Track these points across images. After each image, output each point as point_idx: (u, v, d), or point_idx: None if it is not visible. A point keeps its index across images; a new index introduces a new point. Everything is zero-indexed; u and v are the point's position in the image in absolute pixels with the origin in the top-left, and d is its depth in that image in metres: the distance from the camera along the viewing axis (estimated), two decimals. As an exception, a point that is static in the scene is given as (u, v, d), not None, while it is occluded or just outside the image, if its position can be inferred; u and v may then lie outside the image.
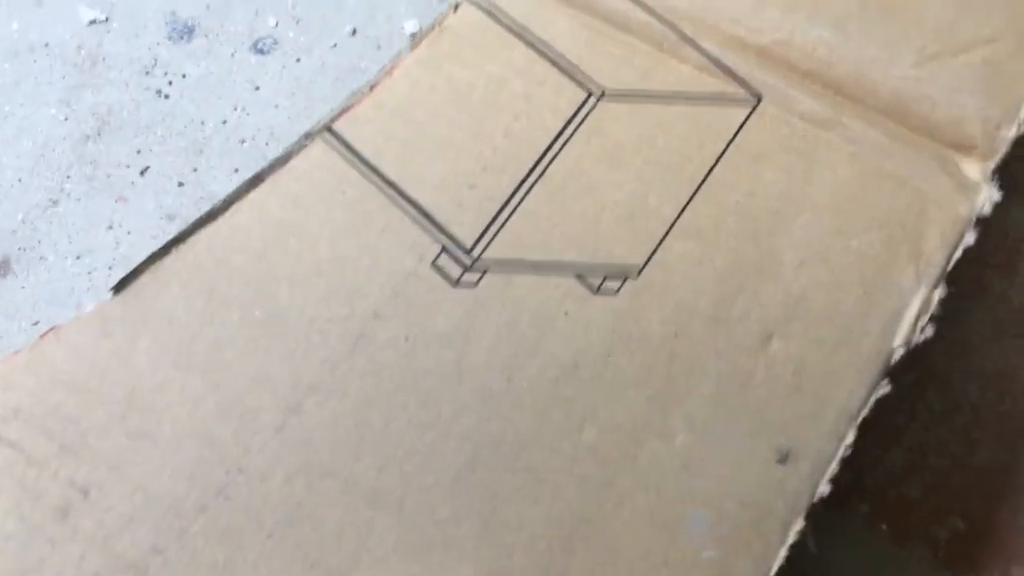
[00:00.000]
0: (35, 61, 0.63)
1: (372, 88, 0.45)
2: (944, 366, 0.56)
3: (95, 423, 0.39)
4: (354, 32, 0.64)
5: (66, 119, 0.62)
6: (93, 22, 0.64)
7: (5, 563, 0.37)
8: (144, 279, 0.41)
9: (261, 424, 0.38)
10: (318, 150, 0.44)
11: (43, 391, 0.39)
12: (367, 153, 0.44)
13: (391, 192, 0.43)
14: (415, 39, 0.46)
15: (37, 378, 0.39)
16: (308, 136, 0.44)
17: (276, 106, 0.62)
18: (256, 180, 0.43)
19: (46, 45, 0.64)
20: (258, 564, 0.36)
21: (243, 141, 0.61)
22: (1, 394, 0.39)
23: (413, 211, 0.43)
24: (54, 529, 0.37)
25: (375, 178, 0.43)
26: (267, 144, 0.61)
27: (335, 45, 0.64)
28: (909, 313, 0.40)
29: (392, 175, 0.43)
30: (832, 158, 0.43)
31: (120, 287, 0.41)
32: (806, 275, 0.41)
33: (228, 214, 0.42)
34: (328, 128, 0.44)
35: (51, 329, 0.40)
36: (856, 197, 0.43)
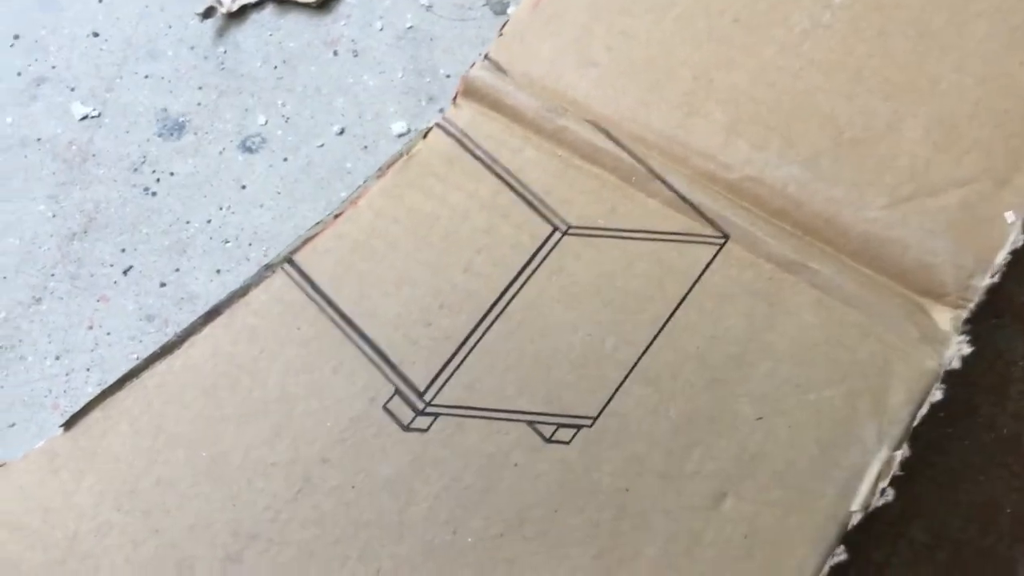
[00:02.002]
0: (26, 156, 0.64)
1: (336, 217, 0.45)
2: (930, 496, 0.55)
3: (35, 566, 0.38)
4: (342, 132, 0.64)
5: (54, 216, 0.62)
6: (85, 117, 0.65)
7: None
8: (96, 414, 0.41)
9: (198, 574, 0.38)
10: (278, 282, 0.44)
11: (-15, 531, 0.39)
12: (326, 286, 0.43)
13: (347, 328, 0.42)
14: (381, 169, 0.46)
15: (-20, 517, 0.39)
16: (269, 267, 0.44)
17: (261, 206, 0.62)
18: (213, 313, 0.43)
19: (38, 140, 0.64)
20: None
21: (227, 241, 0.61)
22: (-58, 534, 0.39)
23: (368, 349, 0.42)
24: None
25: (332, 313, 0.43)
26: (250, 245, 0.61)
27: (322, 145, 0.64)
28: (869, 475, 0.39)
29: (349, 310, 0.43)
30: (797, 303, 0.42)
31: (71, 423, 0.41)
32: (763, 430, 0.40)
33: (183, 348, 0.42)
34: (288, 259, 0.44)
35: (1, 465, 0.40)
36: (819, 346, 0.41)
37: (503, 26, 0.49)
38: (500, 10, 0.67)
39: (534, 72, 0.48)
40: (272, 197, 0.63)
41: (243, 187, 0.63)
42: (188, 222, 0.62)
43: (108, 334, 0.59)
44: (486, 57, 0.48)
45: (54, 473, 0.40)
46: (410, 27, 0.67)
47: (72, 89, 0.66)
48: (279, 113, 0.65)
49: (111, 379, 0.57)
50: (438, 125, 0.47)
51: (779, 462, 0.40)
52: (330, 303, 0.43)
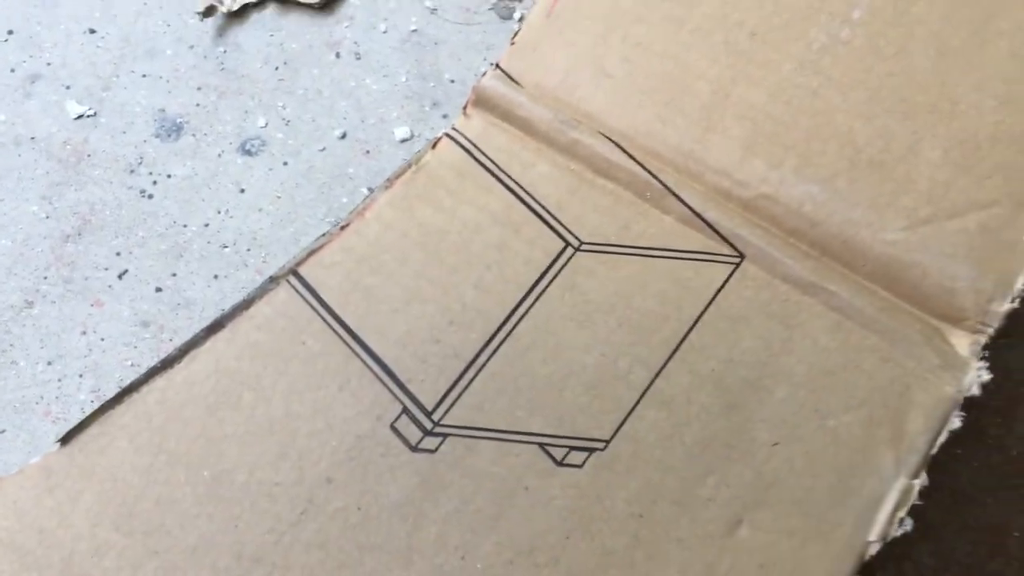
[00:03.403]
0: (20, 155, 0.62)
1: (342, 229, 0.44)
2: (937, 518, 0.54)
3: (29, 588, 0.37)
4: (343, 136, 0.63)
5: (47, 217, 0.61)
6: (81, 116, 0.63)
7: None
8: (93, 430, 0.40)
9: (199, 598, 0.37)
10: (283, 295, 0.42)
11: (-22, 551, 0.37)
12: (332, 300, 0.42)
13: (353, 344, 0.41)
14: (389, 180, 0.45)
15: (-27, 536, 0.38)
16: (273, 279, 0.43)
17: (260, 210, 0.61)
18: (216, 326, 0.42)
19: (32, 139, 0.63)
20: None
21: (224, 246, 0.60)
22: (-67, 553, 0.37)
23: (375, 366, 0.41)
24: None
25: (338, 328, 0.42)
26: (248, 250, 0.60)
27: (323, 149, 0.63)
28: (886, 504, 0.38)
29: (355, 325, 0.42)
30: (814, 326, 0.42)
31: (67, 438, 0.40)
32: (780, 456, 0.39)
33: (184, 362, 0.41)
34: (294, 271, 0.43)
35: (-8, 483, 0.39)
36: (837, 371, 0.41)
37: (515, 35, 0.48)
38: (506, 15, 0.66)
39: (547, 83, 0.47)
40: (272, 201, 0.62)
41: (242, 191, 0.62)
42: (185, 226, 0.61)
43: (102, 339, 0.58)
44: (497, 66, 0.47)
45: (50, 491, 0.39)
46: (414, 30, 0.66)
47: (67, 87, 0.65)
48: (279, 116, 0.64)
49: (105, 385, 0.56)
50: (447, 135, 0.46)
51: (796, 490, 0.39)
52: (336, 318, 0.42)
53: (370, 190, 0.61)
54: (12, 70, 0.65)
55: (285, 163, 0.62)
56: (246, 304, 0.42)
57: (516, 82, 0.47)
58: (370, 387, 0.41)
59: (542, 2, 0.48)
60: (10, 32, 0.66)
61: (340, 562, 0.37)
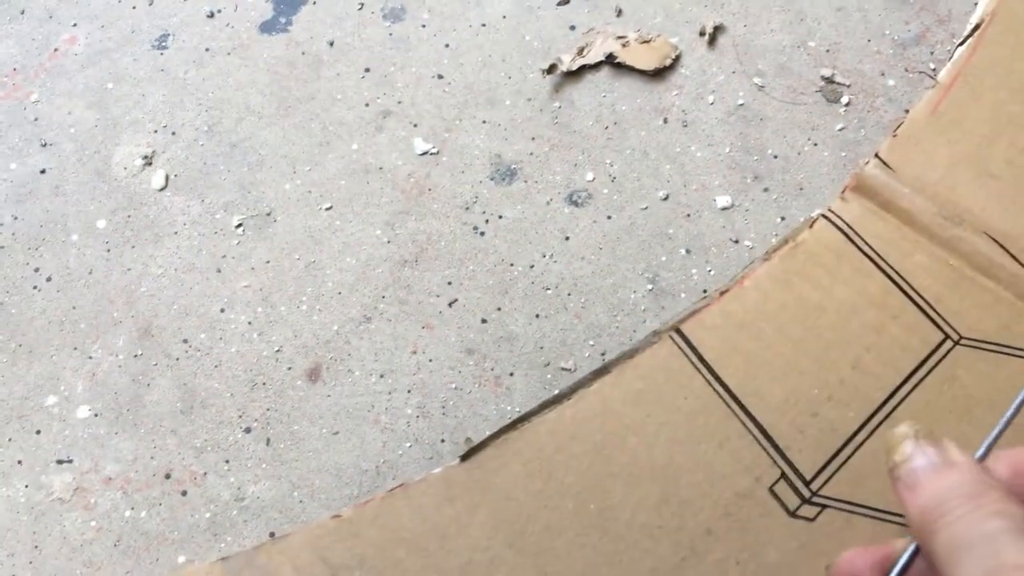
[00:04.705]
0: (368, 183, 0.68)
1: (721, 295, 0.46)
2: None
3: (430, 585, 0.40)
4: (666, 198, 0.66)
5: (388, 242, 0.66)
6: (425, 153, 0.69)
7: None
8: (489, 451, 0.43)
9: (585, 623, 0.39)
10: (665, 350, 0.45)
11: (387, 545, 0.41)
12: (712, 360, 0.44)
13: (732, 405, 0.43)
14: (768, 253, 0.47)
15: (382, 532, 0.42)
16: (656, 334, 0.45)
17: (582, 258, 0.65)
18: (602, 371, 0.45)
19: (380, 169, 0.69)
20: None
21: (547, 288, 0.64)
22: (351, 541, 0.41)
23: (754, 429, 0.43)
24: None
25: (718, 387, 0.44)
26: (569, 295, 0.64)
27: (646, 208, 0.66)
28: None
29: (735, 387, 0.44)
30: None
31: (467, 456, 0.43)
32: None
33: (573, 400, 0.44)
34: (676, 329, 0.45)
35: (400, 486, 0.43)
36: None
37: (897, 127, 0.49)
38: (833, 99, 0.68)
39: (928, 177, 0.48)
40: (594, 251, 0.65)
41: (566, 238, 0.66)
42: (512, 264, 0.65)
43: (430, 360, 0.62)
44: (877, 156, 0.49)
45: (450, 501, 0.42)
46: (741, 104, 0.69)
47: (415, 125, 0.70)
48: (606, 172, 0.67)
49: (431, 403, 0.60)
50: (824, 216, 0.48)
51: None
52: (716, 377, 0.44)
53: (688, 252, 0.64)
54: (367, 104, 0.71)
55: (609, 217, 0.66)
56: (630, 354, 0.45)
57: (894, 171, 0.48)
58: (748, 448, 0.42)
59: (928, 99, 0.49)
60: (367, 70, 0.73)
61: (723, 613, 0.39)
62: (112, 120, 0.73)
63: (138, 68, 0.76)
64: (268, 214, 0.68)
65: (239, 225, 0.67)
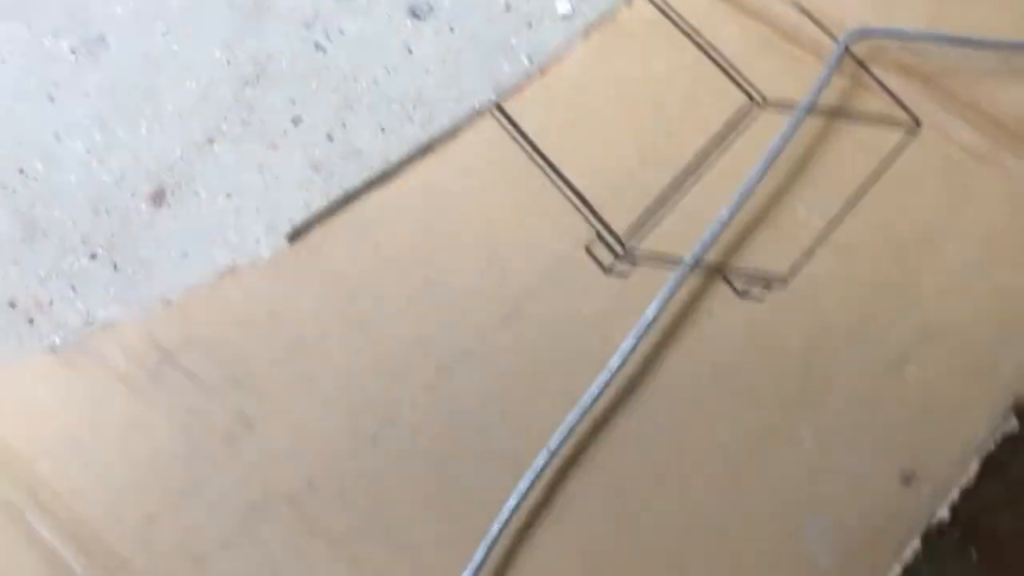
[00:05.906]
0: (203, 2, 0.66)
1: (542, 72, 0.47)
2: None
3: (263, 361, 0.42)
4: (507, 8, 0.66)
5: (228, 63, 0.65)
6: (261, -30, 0.67)
7: (171, 481, 0.40)
8: (316, 232, 0.44)
9: (413, 382, 0.41)
10: (486, 126, 0.46)
11: (219, 325, 0.42)
12: (532, 133, 0.46)
13: (552, 175, 0.45)
14: (582, 29, 0.48)
15: (212, 313, 0.42)
16: (477, 112, 0.46)
17: (426, 71, 0.64)
18: (426, 149, 0.45)
19: (215, -12, 0.66)
20: (401, 511, 0.39)
21: (391, 102, 0.63)
22: (181, 324, 0.42)
23: (572, 196, 0.44)
24: (219, 454, 0.40)
25: (538, 159, 0.45)
26: (414, 108, 0.63)
27: (488, 19, 0.65)
28: (1044, 356, 0.41)
29: (553, 159, 0.45)
30: (987, 194, 0.44)
31: (294, 237, 0.44)
32: (946, 305, 0.42)
33: (398, 179, 0.45)
34: (497, 106, 0.46)
35: (229, 269, 0.43)
36: (1005, 234, 0.43)
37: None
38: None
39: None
40: (438, 64, 0.64)
41: (410, 51, 0.65)
42: (355, 80, 0.64)
43: (276, 178, 0.62)
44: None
45: (279, 280, 0.43)
46: (580, -90, 0.68)
47: (249, -58, 0.68)
48: (447, -17, 0.66)
49: (280, 221, 0.60)
50: (640, -7, 0.49)
51: (959, 335, 0.42)
52: (536, 150, 0.45)
53: (531, 60, 0.64)
54: (197, -78, 0.68)
55: (451, 29, 0.65)
56: (453, 132, 0.46)
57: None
58: (567, 214, 0.44)
59: None
60: None
61: (543, 362, 0.41)
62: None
63: None
64: (101, 39, 0.65)
65: (72, 52, 0.65)
